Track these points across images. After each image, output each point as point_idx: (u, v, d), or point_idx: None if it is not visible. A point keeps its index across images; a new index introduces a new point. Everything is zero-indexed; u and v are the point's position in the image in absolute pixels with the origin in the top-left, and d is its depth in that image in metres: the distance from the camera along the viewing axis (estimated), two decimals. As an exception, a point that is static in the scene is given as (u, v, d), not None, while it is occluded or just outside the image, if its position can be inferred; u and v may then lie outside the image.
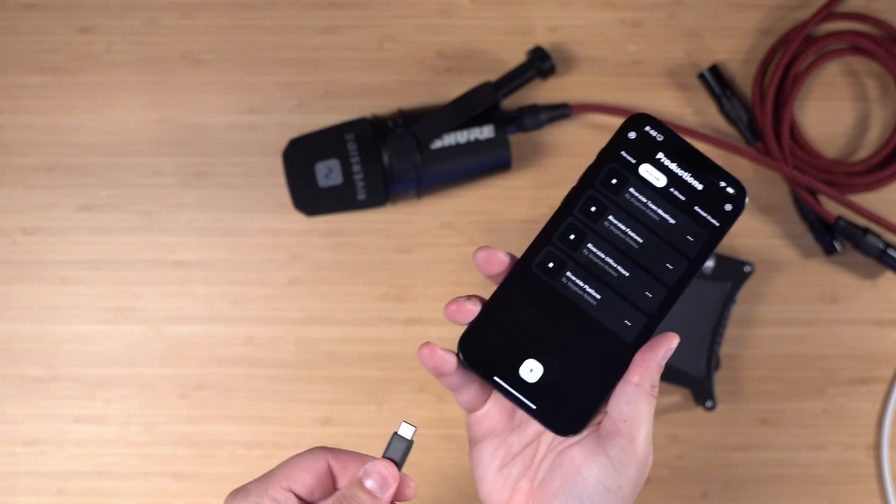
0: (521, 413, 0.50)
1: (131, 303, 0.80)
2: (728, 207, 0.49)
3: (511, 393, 0.48)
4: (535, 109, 0.78)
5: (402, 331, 0.80)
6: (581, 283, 0.49)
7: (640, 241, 0.49)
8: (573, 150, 0.80)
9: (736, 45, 0.81)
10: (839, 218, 0.78)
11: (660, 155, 0.49)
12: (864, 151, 0.81)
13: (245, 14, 0.81)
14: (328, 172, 0.75)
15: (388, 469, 0.48)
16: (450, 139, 0.76)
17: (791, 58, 0.79)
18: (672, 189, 0.49)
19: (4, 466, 0.80)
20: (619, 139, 0.50)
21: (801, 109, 0.81)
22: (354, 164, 0.75)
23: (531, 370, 0.48)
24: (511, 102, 0.80)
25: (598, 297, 0.49)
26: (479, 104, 0.76)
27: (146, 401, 0.80)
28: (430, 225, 0.81)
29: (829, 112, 0.81)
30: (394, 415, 0.79)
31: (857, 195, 0.80)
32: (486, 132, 0.76)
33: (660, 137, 0.49)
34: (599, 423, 0.48)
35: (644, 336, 0.48)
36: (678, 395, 0.79)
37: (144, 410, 0.80)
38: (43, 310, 0.80)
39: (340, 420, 0.80)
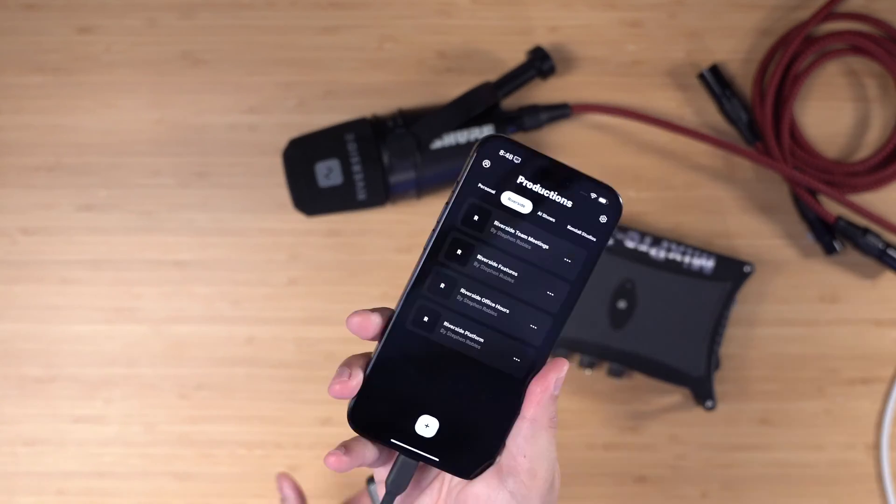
0: None
1: (131, 303, 0.80)
2: (603, 219, 0.46)
3: (411, 451, 0.47)
4: (535, 109, 0.78)
5: (402, 331, 0.80)
6: (461, 331, 0.46)
7: (516, 274, 0.46)
8: (573, 149, 0.80)
9: (736, 45, 0.81)
10: (839, 218, 0.78)
11: (520, 179, 0.46)
12: (864, 151, 0.81)
13: (245, 14, 0.81)
14: (328, 172, 0.75)
15: None
16: (450, 139, 0.76)
17: (791, 58, 0.79)
18: (540, 213, 0.46)
19: (4, 466, 0.80)
20: (473, 171, 0.46)
21: (801, 109, 0.81)
22: (354, 164, 0.75)
23: (427, 426, 0.46)
24: (511, 102, 0.80)
25: (482, 340, 0.46)
26: (479, 104, 0.76)
27: (146, 401, 0.80)
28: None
29: (829, 112, 0.81)
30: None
31: (857, 195, 0.80)
32: (486, 132, 0.76)
33: (517, 159, 0.46)
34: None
35: (536, 369, 0.46)
36: (678, 395, 0.79)
37: (144, 410, 0.80)
38: (43, 310, 0.80)
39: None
